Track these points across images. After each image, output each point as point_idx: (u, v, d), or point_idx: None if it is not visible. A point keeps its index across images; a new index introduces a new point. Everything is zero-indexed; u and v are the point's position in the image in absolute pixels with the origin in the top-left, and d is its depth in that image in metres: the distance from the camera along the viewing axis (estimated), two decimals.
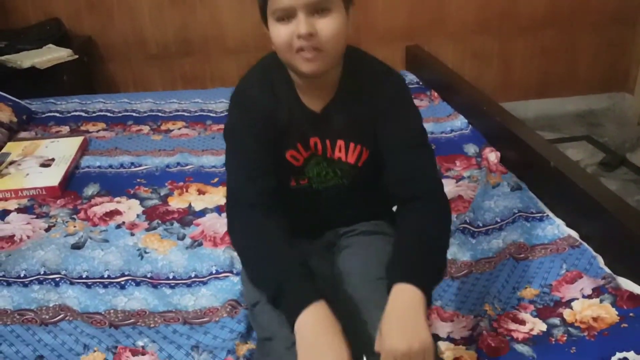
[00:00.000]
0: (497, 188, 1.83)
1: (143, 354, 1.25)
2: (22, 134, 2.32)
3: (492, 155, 2.00)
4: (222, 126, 2.32)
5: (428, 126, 2.24)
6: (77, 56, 2.77)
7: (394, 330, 0.97)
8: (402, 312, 0.99)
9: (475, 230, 1.66)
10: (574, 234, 1.60)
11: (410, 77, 2.77)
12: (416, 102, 2.52)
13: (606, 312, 1.28)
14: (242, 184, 1.17)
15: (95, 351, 1.26)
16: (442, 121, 2.32)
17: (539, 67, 3.50)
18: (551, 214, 1.69)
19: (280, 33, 1.07)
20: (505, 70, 3.48)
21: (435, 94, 2.56)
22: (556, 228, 1.62)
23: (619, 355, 1.18)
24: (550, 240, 1.59)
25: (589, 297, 1.34)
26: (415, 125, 1.21)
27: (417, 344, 0.95)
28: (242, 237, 1.15)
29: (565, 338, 1.23)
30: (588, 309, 1.30)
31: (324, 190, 1.27)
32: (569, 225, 1.64)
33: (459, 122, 2.28)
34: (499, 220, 1.69)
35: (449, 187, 1.86)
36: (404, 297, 1.01)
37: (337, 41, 1.08)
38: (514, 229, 1.63)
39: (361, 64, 1.21)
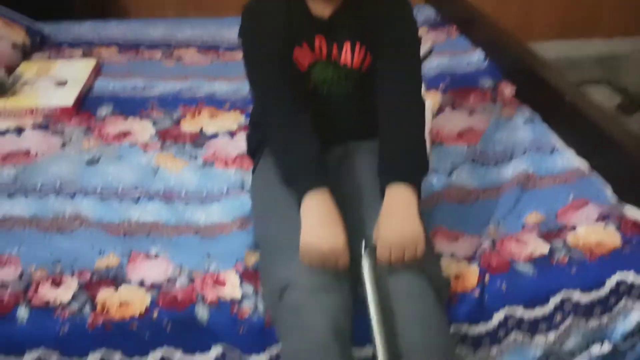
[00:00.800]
0: (510, 121, 1.83)
1: (156, 259, 1.29)
2: (36, 56, 2.32)
3: (508, 89, 1.98)
4: (235, 54, 2.35)
5: (443, 60, 2.23)
6: None
7: (388, 224, 1.10)
8: (396, 208, 1.12)
9: (485, 160, 1.66)
10: (584, 165, 1.60)
11: (428, 12, 2.71)
12: (433, 36, 2.51)
13: (609, 237, 1.30)
14: (267, 72, 1.24)
15: (110, 255, 1.30)
16: (458, 55, 2.28)
17: (562, 7, 3.40)
18: (563, 146, 1.69)
19: None
20: (527, 8, 3.38)
21: (454, 28, 2.51)
22: (566, 159, 1.63)
23: (619, 274, 1.21)
24: (560, 171, 1.59)
25: (594, 223, 1.35)
26: (410, 30, 1.30)
27: (409, 234, 1.08)
28: (274, 124, 1.26)
29: (566, 260, 1.25)
30: (592, 234, 1.32)
31: (330, 96, 1.30)
32: (579, 157, 1.64)
33: (476, 56, 2.25)
34: (509, 152, 1.69)
35: (462, 119, 1.86)
36: (397, 196, 1.13)
37: None
38: (523, 160, 1.64)
39: None
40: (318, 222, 1.09)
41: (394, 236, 1.08)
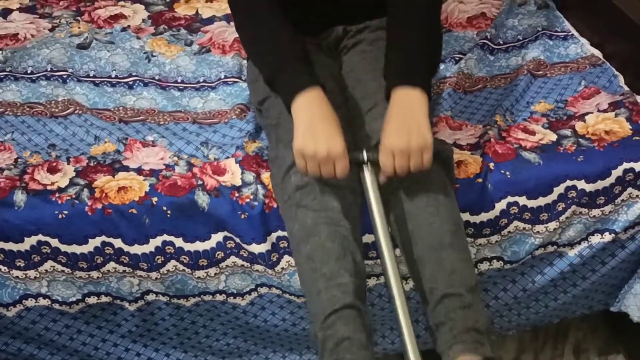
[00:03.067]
0: (523, 6, 1.73)
1: (153, 147, 1.27)
2: None
3: None
4: None
5: None
6: None
7: (394, 129, 0.98)
8: (403, 113, 1.00)
9: (495, 47, 1.59)
10: (597, 53, 1.53)
11: None
12: None
13: (619, 126, 1.26)
14: None
15: (106, 142, 1.27)
16: None
17: None
18: (576, 34, 1.61)
19: None
20: None
21: None
22: (579, 47, 1.56)
23: (625, 165, 1.18)
24: (572, 59, 1.53)
25: (604, 111, 1.31)
26: None
27: (416, 140, 0.96)
28: (247, 21, 1.13)
29: (574, 148, 1.22)
30: (601, 123, 1.28)
31: None
32: (593, 45, 1.57)
33: None
34: (520, 39, 1.61)
35: (472, 4, 1.75)
36: (404, 100, 1.01)
37: None
38: (535, 47, 1.57)
39: None
40: (312, 124, 0.97)
41: (399, 142, 0.96)
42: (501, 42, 1.60)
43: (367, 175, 1.00)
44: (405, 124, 0.98)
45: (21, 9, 1.74)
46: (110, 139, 1.28)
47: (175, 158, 1.23)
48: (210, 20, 1.73)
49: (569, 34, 1.61)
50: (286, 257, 1.15)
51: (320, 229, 0.99)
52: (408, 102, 1.00)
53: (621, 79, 1.43)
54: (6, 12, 1.73)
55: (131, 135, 1.30)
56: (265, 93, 1.19)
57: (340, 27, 1.29)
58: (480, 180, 1.16)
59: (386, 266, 0.97)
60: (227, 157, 1.22)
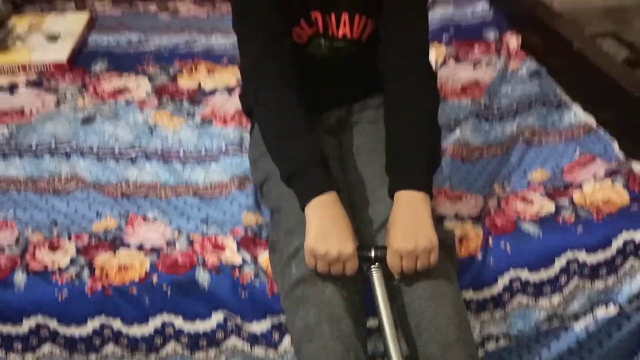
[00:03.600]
0: (516, 74, 1.78)
1: (154, 223, 1.27)
2: (27, 8, 2.25)
3: (513, 41, 1.92)
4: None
5: (447, 11, 2.15)
6: None
7: (401, 232, 1.00)
8: (408, 215, 1.02)
9: (490, 115, 1.62)
10: (591, 120, 1.56)
11: None
12: None
13: (617, 195, 1.27)
14: (262, 48, 1.13)
15: (107, 218, 1.28)
16: (462, 5, 2.20)
17: None
18: (569, 100, 1.65)
19: None
20: None
21: None
22: (573, 114, 1.59)
23: (625, 235, 1.19)
24: (566, 127, 1.56)
25: (601, 179, 1.32)
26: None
27: (422, 243, 0.99)
28: (267, 109, 1.14)
29: (573, 219, 1.23)
30: (599, 191, 1.29)
31: (329, 65, 1.23)
32: (586, 111, 1.60)
33: (481, 6, 2.16)
34: (514, 106, 1.65)
35: (466, 72, 1.80)
36: (408, 203, 1.03)
37: None
38: (529, 115, 1.60)
39: None
40: (324, 226, 1.00)
41: (406, 245, 0.98)
42: (496, 111, 1.64)
43: (375, 276, 1.01)
44: (411, 226, 1.00)
45: (28, 84, 1.79)
46: (112, 214, 1.29)
47: (176, 234, 1.24)
48: (213, 91, 1.77)
49: (562, 101, 1.64)
50: (288, 338, 1.14)
51: (322, 329, 0.98)
52: (412, 205, 1.03)
53: (616, 145, 1.45)
54: (13, 87, 1.77)
55: (133, 210, 1.31)
56: (264, 174, 1.21)
57: (344, 108, 1.31)
58: (481, 255, 1.16)
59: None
60: (226, 234, 1.23)
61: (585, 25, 3.22)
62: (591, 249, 1.18)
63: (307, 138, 1.08)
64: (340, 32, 1.18)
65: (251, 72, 1.18)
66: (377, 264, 1.01)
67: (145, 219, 1.28)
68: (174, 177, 1.44)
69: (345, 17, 1.17)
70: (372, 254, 1.01)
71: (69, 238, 1.22)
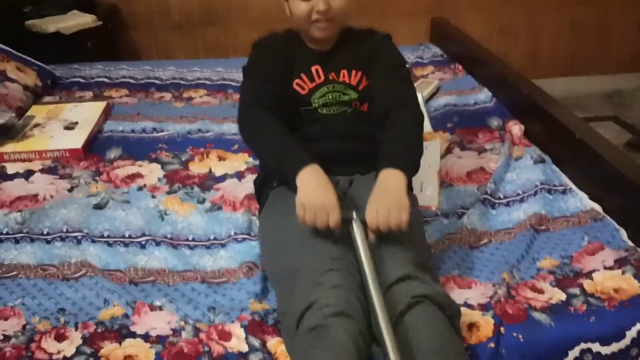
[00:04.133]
0: (520, 161, 1.81)
1: (161, 311, 1.27)
2: (47, 98, 2.35)
3: (516, 128, 1.97)
4: None
5: (450, 99, 2.23)
6: (101, 22, 2.78)
7: (378, 194, 1.24)
8: (385, 184, 1.25)
9: (496, 201, 1.64)
10: (597, 207, 1.57)
11: (434, 50, 2.73)
12: (439, 74, 2.52)
13: (627, 284, 1.26)
14: (253, 98, 1.40)
15: (115, 305, 1.28)
16: (465, 94, 2.28)
17: (568, 44, 3.42)
18: (574, 187, 1.67)
19: (301, 8, 1.37)
20: (533, 46, 3.41)
21: (460, 67, 2.52)
22: (579, 201, 1.60)
23: (639, 325, 1.16)
24: (573, 213, 1.57)
25: (611, 268, 1.32)
26: (398, 59, 1.51)
27: (395, 200, 1.20)
28: (251, 125, 1.40)
29: (584, 308, 1.21)
30: (609, 280, 1.28)
31: (330, 116, 1.44)
32: (592, 198, 1.61)
33: (483, 95, 2.24)
34: (520, 193, 1.67)
35: (471, 159, 1.84)
36: (388, 176, 1.27)
37: (344, 14, 1.41)
38: (535, 201, 1.61)
39: (353, 28, 1.52)
40: (313, 186, 1.23)
41: (381, 202, 1.20)
42: (502, 197, 1.66)
43: (356, 229, 1.19)
44: (387, 190, 1.24)
45: (43, 170, 1.84)
46: (120, 302, 1.28)
47: (182, 322, 1.22)
48: (223, 177, 1.81)
49: (568, 187, 1.67)
50: None
51: None
52: (391, 177, 1.26)
53: (623, 233, 1.45)
54: (29, 174, 1.82)
55: (140, 298, 1.31)
56: (274, 238, 1.28)
57: (348, 179, 1.40)
58: (492, 344, 1.14)
59: (374, 307, 1.08)
60: (233, 321, 1.22)
61: (586, 109, 3.32)
62: (605, 341, 1.15)
63: (287, 137, 1.33)
64: (340, 79, 1.45)
65: (243, 105, 1.42)
66: (357, 218, 1.20)
67: (152, 307, 1.27)
68: (182, 263, 1.45)
69: (344, 71, 1.46)
70: (354, 213, 1.21)
71: (76, 327, 1.22)
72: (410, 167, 1.32)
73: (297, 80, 1.44)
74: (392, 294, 1.12)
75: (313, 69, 1.44)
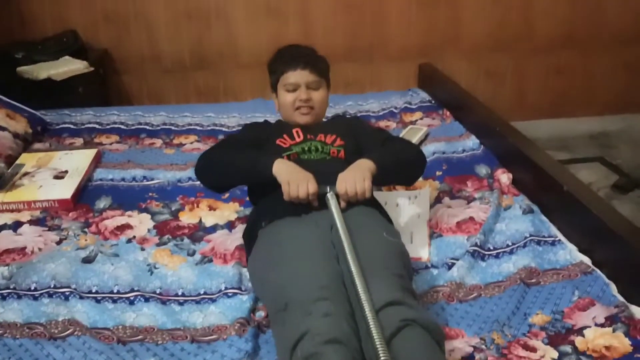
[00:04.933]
0: (509, 211, 1.82)
1: None
2: (37, 145, 2.35)
3: (504, 177, 1.99)
4: None
5: (439, 146, 2.25)
6: (92, 68, 2.80)
7: (346, 171, 1.51)
8: (355, 165, 1.53)
9: (486, 253, 1.65)
10: (586, 259, 1.58)
11: (422, 95, 2.78)
12: (428, 121, 2.55)
13: (619, 342, 1.26)
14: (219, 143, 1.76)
15: None
16: (454, 141, 2.31)
17: (553, 87, 3.48)
18: (563, 239, 1.68)
19: (287, 98, 1.76)
20: (519, 89, 3.47)
21: (448, 113, 2.56)
22: (568, 253, 1.61)
23: None
24: (563, 266, 1.57)
25: (602, 325, 1.32)
26: (381, 132, 1.90)
27: (359, 172, 1.49)
28: (212, 155, 1.67)
29: None
30: (600, 338, 1.28)
31: (310, 160, 1.65)
32: (581, 250, 1.62)
33: (471, 142, 2.27)
34: (510, 244, 1.68)
35: (460, 209, 1.85)
36: (359, 161, 1.54)
37: (323, 104, 1.80)
38: (525, 253, 1.62)
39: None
40: (290, 168, 1.51)
41: (347, 174, 1.49)
42: (491, 248, 1.67)
43: (331, 199, 1.45)
44: (354, 168, 1.52)
45: (31, 222, 1.83)
46: None
47: None
48: (213, 228, 1.81)
49: (557, 239, 1.68)
50: None
51: None
52: (360, 162, 1.54)
53: (614, 287, 1.46)
54: (17, 225, 1.81)
55: (128, 358, 1.28)
56: (263, 273, 1.34)
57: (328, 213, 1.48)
58: None
59: (353, 277, 1.21)
60: None
61: (573, 150, 3.36)
62: None
63: (250, 150, 1.66)
64: (318, 139, 1.71)
65: (206, 152, 1.69)
66: (331, 192, 1.47)
67: None
68: (171, 320, 1.43)
69: (321, 135, 1.73)
70: (328, 187, 1.48)
71: None
72: (381, 160, 1.54)
73: (279, 140, 1.70)
74: (381, 318, 1.14)
75: (294, 131, 1.72)
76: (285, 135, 1.72)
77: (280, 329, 1.23)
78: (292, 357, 1.10)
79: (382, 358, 1.05)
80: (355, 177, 1.46)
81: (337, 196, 1.47)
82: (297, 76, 1.71)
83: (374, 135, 1.80)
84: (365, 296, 1.16)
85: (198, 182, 2.04)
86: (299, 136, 1.72)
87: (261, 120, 1.99)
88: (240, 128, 1.84)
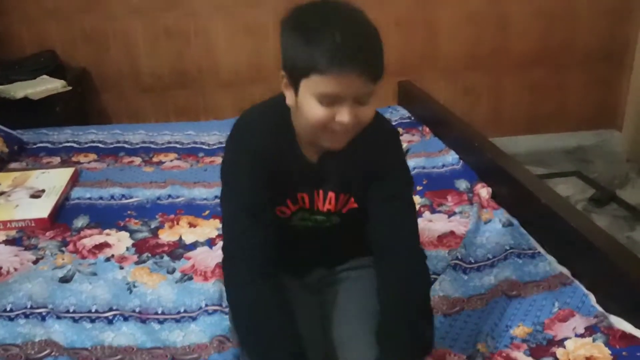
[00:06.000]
0: (489, 224, 1.84)
1: None
2: (13, 165, 2.31)
3: (484, 191, 2.01)
4: (214, 159, 2.37)
5: (419, 161, 2.27)
6: (70, 87, 2.78)
7: None
8: None
9: (467, 266, 1.65)
10: (565, 271, 1.60)
11: (402, 112, 2.80)
12: (408, 137, 2.57)
13: (599, 352, 1.27)
14: (243, 226, 1.16)
15: None
16: (433, 156, 2.33)
17: (529, 104, 3.55)
18: (543, 251, 1.70)
19: (318, 113, 1.06)
20: (495, 106, 3.53)
21: (427, 129, 2.58)
22: (548, 265, 1.63)
23: None
24: (542, 278, 1.59)
25: (582, 336, 1.33)
26: (403, 180, 1.25)
27: None
28: (239, 311, 1.17)
29: None
30: (581, 348, 1.29)
31: (307, 230, 1.28)
32: (560, 262, 1.64)
33: (451, 157, 2.30)
34: (490, 257, 1.69)
35: (441, 223, 1.87)
36: None
37: (367, 123, 1.11)
38: (505, 266, 1.63)
39: None
40: None
41: None
42: (472, 261, 1.68)
43: None
44: None
45: (7, 242, 1.79)
46: None
47: None
48: (193, 245, 1.79)
49: (536, 251, 1.69)
50: None
51: None
52: None
53: (592, 298, 1.47)
54: None
55: None
56: None
57: (324, 269, 1.35)
58: None
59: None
60: None
61: (549, 165, 3.42)
62: None
63: (282, 344, 1.10)
64: (325, 208, 1.24)
65: (227, 260, 1.19)
66: None
67: None
68: (151, 339, 1.41)
69: (331, 195, 1.22)
70: None
71: None
72: (422, 352, 1.20)
73: (280, 207, 1.23)
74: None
75: (299, 196, 1.22)
76: (288, 201, 1.23)
77: None
78: None
79: None
80: None
81: None
82: (345, 86, 1.03)
83: (391, 207, 1.22)
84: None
85: (178, 199, 2.05)
86: (303, 202, 1.24)
87: None
88: (239, 175, 1.20)
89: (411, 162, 2.27)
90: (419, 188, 2.09)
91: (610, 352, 1.27)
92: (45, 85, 2.71)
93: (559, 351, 1.29)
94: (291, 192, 1.21)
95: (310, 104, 1.06)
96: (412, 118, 2.74)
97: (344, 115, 1.04)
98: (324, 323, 1.25)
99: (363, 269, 1.30)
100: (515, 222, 1.83)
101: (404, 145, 2.42)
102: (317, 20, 1.04)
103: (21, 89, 2.65)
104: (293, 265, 1.24)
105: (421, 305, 1.20)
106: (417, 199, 2.03)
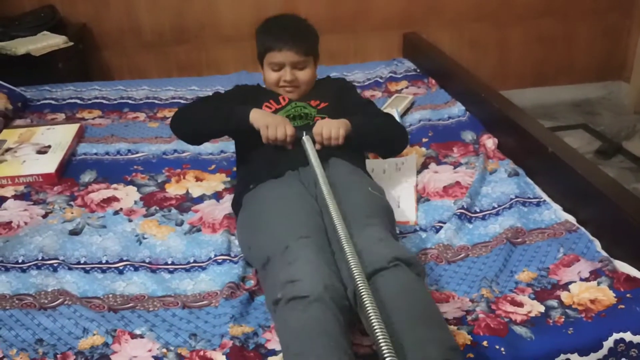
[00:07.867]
0: (494, 174, 1.84)
1: (142, 339, 1.25)
2: (18, 122, 2.31)
3: (490, 142, 2.01)
4: None
5: (425, 113, 2.26)
6: (72, 43, 2.75)
7: (323, 120, 1.62)
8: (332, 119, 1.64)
9: (472, 215, 1.66)
10: (571, 218, 1.60)
11: (407, 64, 2.77)
12: (413, 89, 2.55)
13: (603, 294, 1.29)
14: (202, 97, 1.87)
15: (94, 334, 1.25)
16: (439, 108, 2.32)
17: (536, 56, 3.50)
18: (548, 199, 1.70)
19: (272, 76, 1.73)
20: (502, 58, 3.48)
21: (433, 81, 2.56)
22: (553, 213, 1.63)
23: (615, 335, 1.19)
24: (548, 225, 1.60)
25: (586, 279, 1.35)
26: (364, 98, 2.01)
27: (335, 123, 1.59)
28: (187, 109, 1.77)
29: (562, 320, 1.24)
30: (585, 292, 1.31)
31: (295, 127, 1.63)
32: (566, 210, 1.65)
33: (457, 109, 2.28)
34: (495, 206, 1.69)
35: (447, 174, 1.87)
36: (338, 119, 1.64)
37: (308, 82, 1.75)
38: (510, 214, 1.64)
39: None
40: (266, 114, 1.61)
41: (324, 122, 1.59)
42: (478, 210, 1.68)
43: (307, 142, 1.55)
44: (331, 119, 1.62)
45: (16, 197, 1.81)
46: (99, 330, 1.26)
47: (164, 350, 1.21)
48: (201, 198, 1.80)
49: (542, 200, 1.70)
50: None
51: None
52: (338, 119, 1.63)
53: (597, 244, 1.48)
54: (1, 200, 1.78)
55: (120, 326, 1.29)
56: (265, 256, 1.30)
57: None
58: (472, 355, 1.15)
59: (334, 223, 1.26)
60: (214, 349, 1.21)
61: (556, 118, 3.39)
62: (583, 352, 1.17)
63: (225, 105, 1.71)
64: (304, 101, 1.73)
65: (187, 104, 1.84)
66: (307, 136, 1.57)
67: (132, 335, 1.25)
68: (162, 288, 1.43)
69: (307, 101, 1.74)
70: (304, 131, 1.58)
71: (55, 358, 1.19)
72: (357, 123, 1.62)
73: (265, 103, 1.72)
74: (365, 256, 1.19)
75: (280, 97, 1.73)
76: (271, 100, 1.73)
77: (266, 284, 1.28)
78: (278, 304, 1.13)
79: (362, 293, 1.07)
80: (331, 124, 1.56)
81: (313, 141, 1.56)
82: (282, 56, 1.67)
83: (359, 101, 1.83)
84: (346, 238, 1.20)
85: (184, 154, 2.06)
86: (284, 100, 1.73)
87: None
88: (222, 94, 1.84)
89: (416, 115, 2.26)
90: (424, 140, 2.09)
91: (614, 294, 1.29)
92: (47, 41, 2.67)
93: (563, 294, 1.31)
94: (273, 96, 1.75)
95: (267, 71, 1.74)
96: (418, 70, 2.71)
97: (286, 75, 1.71)
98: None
99: (355, 171, 1.58)
100: (521, 171, 1.83)
101: (409, 97, 2.40)
102: (272, 23, 1.76)
103: (22, 46, 2.63)
104: (290, 158, 1.57)
105: (383, 121, 1.72)
106: (422, 150, 2.03)
